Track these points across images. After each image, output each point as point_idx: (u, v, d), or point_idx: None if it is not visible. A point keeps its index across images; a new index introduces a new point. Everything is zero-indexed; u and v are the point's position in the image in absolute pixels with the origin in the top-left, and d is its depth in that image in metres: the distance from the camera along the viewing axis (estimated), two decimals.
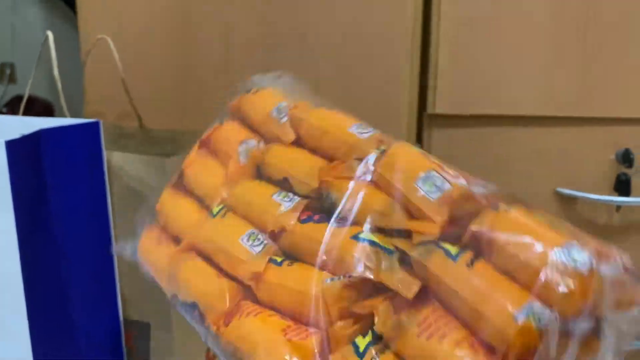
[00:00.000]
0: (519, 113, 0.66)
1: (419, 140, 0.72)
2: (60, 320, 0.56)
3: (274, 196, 0.36)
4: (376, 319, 0.29)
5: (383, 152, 0.34)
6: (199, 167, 0.42)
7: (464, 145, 0.69)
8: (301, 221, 0.34)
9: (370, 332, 0.29)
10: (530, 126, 0.66)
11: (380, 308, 0.29)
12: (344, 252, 0.31)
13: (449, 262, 0.28)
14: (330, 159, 0.36)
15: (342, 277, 0.30)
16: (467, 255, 0.28)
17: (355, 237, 0.31)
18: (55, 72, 0.60)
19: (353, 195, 0.33)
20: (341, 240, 0.31)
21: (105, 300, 0.62)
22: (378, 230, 0.31)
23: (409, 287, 0.29)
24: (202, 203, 0.40)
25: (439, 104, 0.68)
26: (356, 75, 0.69)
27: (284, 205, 0.35)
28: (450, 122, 0.69)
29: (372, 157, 0.34)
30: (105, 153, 0.58)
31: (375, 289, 0.30)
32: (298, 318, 0.31)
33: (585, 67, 0.63)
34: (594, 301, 0.26)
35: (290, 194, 0.36)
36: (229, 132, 0.41)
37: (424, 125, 0.70)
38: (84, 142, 0.57)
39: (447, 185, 0.31)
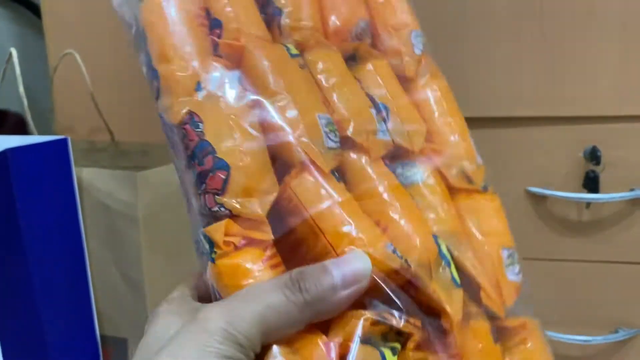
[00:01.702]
0: (486, 115, 0.66)
1: None
2: (34, 339, 0.56)
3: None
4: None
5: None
6: None
7: None
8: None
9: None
10: (498, 127, 0.67)
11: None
12: None
13: None
14: None
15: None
16: None
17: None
18: (21, 89, 0.60)
19: None
20: None
21: (81, 317, 0.61)
22: None
23: None
24: None
25: None
26: None
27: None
28: None
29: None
30: (74, 169, 0.58)
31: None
32: None
33: (549, 66, 0.64)
34: None
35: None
36: None
37: None
38: (52, 159, 0.57)
39: None
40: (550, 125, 0.66)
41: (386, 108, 0.34)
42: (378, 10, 0.36)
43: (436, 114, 0.37)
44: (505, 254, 0.35)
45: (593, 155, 0.65)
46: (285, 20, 0.33)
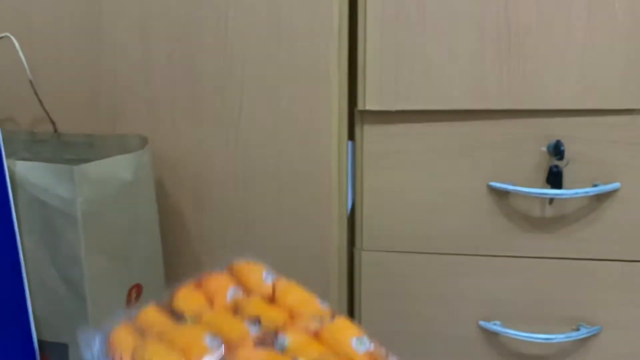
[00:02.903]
0: (448, 107, 0.64)
1: (351, 137, 0.70)
2: None
3: (246, 321, 0.48)
4: None
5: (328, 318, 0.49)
6: (189, 297, 0.51)
7: (396, 140, 0.67)
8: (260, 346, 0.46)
9: None
10: (460, 120, 0.65)
11: None
12: None
13: None
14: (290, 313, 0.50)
15: None
16: None
17: None
18: None
19: (302, 342, 0.47)
20: None
21: (17, 322, 0.57)
22: None
23: None
24: (181, 319, 0.49)
25: (369, 101, 0.66)
26: (283, 74, 0.66)
27: (252, 330, 0.47)
28: (382, 118, 0.67)
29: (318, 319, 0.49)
30: (6, 162, 0.53)
31: None
32: None
33: (512, 59, 0.63)
34: None
35: (256, 325, 0.48)
36: (221, 280, 0.53)
37: (356, 120, 0.68)
38: None
39: (371, 346, 0.47)
40: (513, 118, 0.65)
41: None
42: None
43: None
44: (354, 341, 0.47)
45: (557, 150, 0.63)
46: None
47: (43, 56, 0.69)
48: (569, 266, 0.67)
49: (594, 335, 0.68)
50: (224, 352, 0.44)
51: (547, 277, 0.68)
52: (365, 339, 0.48)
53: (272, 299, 0.52)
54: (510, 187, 0.65)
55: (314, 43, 0.65)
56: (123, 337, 0.47)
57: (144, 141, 0.64)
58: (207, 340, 0.45)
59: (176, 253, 0.73)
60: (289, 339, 0.47)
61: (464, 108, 0.64)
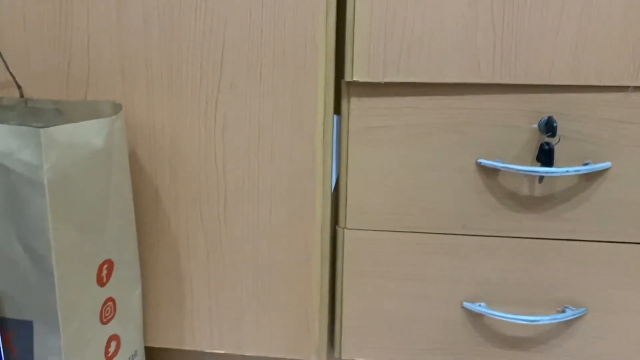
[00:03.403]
0: (438, 81, 0.62)
1: (337, 109, 0.67)
2: None
3: None
4: None
5: None
6: None
7: (384, 115, 0.64)
8: None
9: None
10: (450, 95, 0.63)
11: None
12: None
13: None
14: None
15: None
16: None
17: None
18: None
19: None
20: None
21: None
22: None
23: None
24: None
25: (357, 71, 0.63)
26: (266, 42, 0.63)
27: None
28: (369, 91, 0.64)
29: None
30: None
31: None
32: None
33: (506, 32, 0.60)
34: None
35: None
36: None
37: (342, 93, 0.65)
38: None
39: None
40: (503, 93, 0.63)
41: None
42: None
43: None
44: None
45: (549, 127, 0.61)
46: None
47: (9, 17, 0.65)
48: (556, 247, 0.66)
49: (579, 317, 0.67)
50: None
51: (534, 258, 0.66)
52: None
53: None
54: (500, 165, 0.63)
55: (299, 10, 0.62)
56: None
57: (117, 107, 0.60)
58: None
59: (150, 227, 0.70)
60: None
61: (454, 81, 0.62)
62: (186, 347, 0.74)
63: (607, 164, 0.63)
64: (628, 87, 0.61)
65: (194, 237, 0.70)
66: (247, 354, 0.74)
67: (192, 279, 0.72)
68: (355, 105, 0.65)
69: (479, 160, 0.64)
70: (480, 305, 0.68)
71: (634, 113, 0.62)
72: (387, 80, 0.62)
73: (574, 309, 0.67)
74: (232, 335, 0.73)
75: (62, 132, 0.50)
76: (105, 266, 0.59)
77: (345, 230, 0.68)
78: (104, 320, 0.61)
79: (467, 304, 0.68)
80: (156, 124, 0.67)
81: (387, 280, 0.69)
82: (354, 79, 0.63)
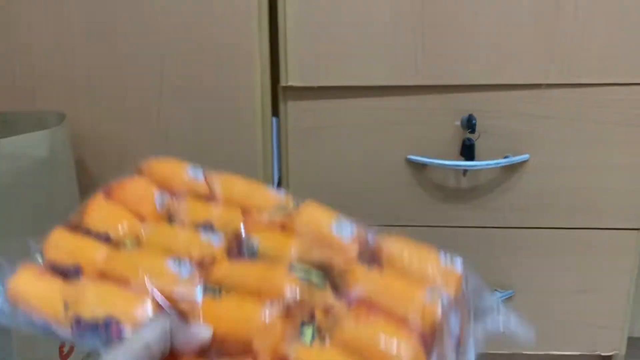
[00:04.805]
0: (365, 84, 0.66)
1: (275, 113, 0.71)
2: None
3: (201, 230, 0.39)
4: (317, 315, 0.33)
5: (293, 207, 0.41)
6: (106, 211, 0.41)
7: (318, 116, 0.68)
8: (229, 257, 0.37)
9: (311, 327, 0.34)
10: (378, 96, 0.67)
11: (318, 311, 0.34)
12: (280, 282, 0.34)
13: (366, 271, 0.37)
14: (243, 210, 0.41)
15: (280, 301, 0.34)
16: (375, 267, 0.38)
17: (291, 268, 0.35)
18: None
19: (272, 239, 0.38)
20: (276, 273, 0.35)
21: None
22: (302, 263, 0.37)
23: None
24: (109, 241, 0.39)
25: (291, 77, 0.67)
26: (204, 50, 0.66)
27: (213, 240, 0.38)
28: (304, 94, 0.68)
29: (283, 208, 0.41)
30: None
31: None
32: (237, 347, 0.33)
33: (425, 35, 0.65)
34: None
35: (215, 233, 0.38)
36: (141, 185, 0.42)
37: (279, 97, 0.69)
38: None
39: (354, 228, 0.39)
40: (428, 94, 0.67)
41: None
42: None
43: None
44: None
45: (469, 124, 0.66)
46: None
47: None
48: (483, 234, 0.71)
49: (507, 299, 0.73)
50: (198, 275, 0.35)
51: (463, 246, 0.71)
52: (345, 221, 0.39)
53: (211, 198, 0.42)
54: (427, 160, 0.68)
55: (234, 19, 0.65)
56: (30, 283, 0.37)
57: (60, 117, 0.63)
58: (170, 266, 0.35)
59: None
60: (257, 239, 0.38)
61: (380, 84, 0.66)
62: None
63: (526, 156, 0.68)
64: (541, 85, 0.66)
65: None
66: None
67: None
68: (292, 109, 0.69)
69: (408, 157, 0.69)
70: None
71: (547, 109, 0.67)
72: (319, 84, 0.66)
73: (502, 291, 0.72)
74: None
75: (4, 143, 0.53)
76: None
77: None
78: None
79: None
80: (103, 132, 0.69)
81: None
82: (289, 84, 0.67)
